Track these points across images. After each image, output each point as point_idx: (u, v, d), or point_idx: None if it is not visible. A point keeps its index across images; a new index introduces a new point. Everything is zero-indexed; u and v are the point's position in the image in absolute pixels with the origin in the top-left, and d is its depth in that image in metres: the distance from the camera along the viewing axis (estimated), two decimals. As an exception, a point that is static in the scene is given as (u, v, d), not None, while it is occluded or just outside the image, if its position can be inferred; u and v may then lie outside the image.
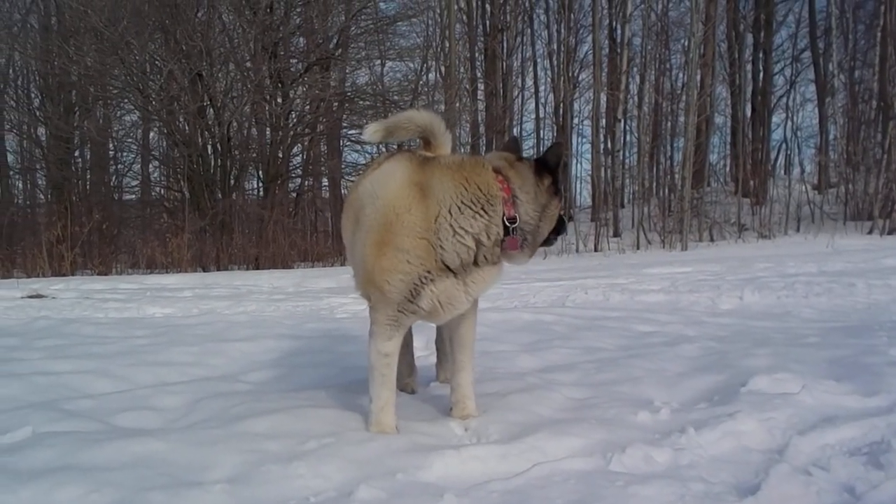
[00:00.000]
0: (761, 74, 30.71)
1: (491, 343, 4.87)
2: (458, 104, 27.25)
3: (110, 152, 28.21)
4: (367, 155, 25.25)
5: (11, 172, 31.14)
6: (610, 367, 4.05)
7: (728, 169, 33.17)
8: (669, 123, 31.77)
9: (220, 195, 23.07)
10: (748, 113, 30.24)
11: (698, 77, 25.36)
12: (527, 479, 2.44)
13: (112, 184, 28.94)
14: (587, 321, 5.88)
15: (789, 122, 32.77)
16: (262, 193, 25.20)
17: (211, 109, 23.24)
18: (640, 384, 3.68)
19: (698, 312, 6.60)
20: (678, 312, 6.51)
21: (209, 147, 23.84)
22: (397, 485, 2.41)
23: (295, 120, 25.08)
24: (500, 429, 2.99)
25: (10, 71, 30.28)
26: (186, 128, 23.15)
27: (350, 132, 27.14)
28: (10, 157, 31.18)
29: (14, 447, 2.84)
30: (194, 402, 3.62)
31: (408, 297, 2.91)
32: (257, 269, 21.30)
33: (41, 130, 28.56)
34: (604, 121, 29.71)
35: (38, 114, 28.83)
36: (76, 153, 28.17)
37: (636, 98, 31.43)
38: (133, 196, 29.63)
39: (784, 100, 33.00)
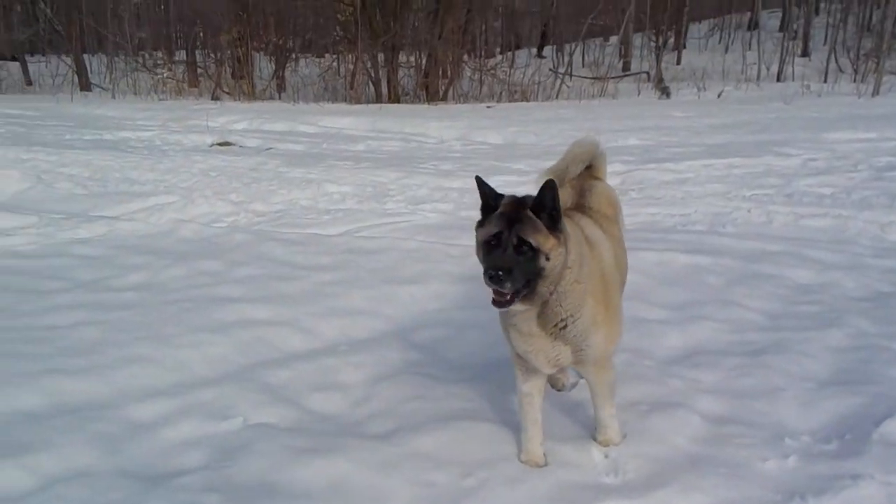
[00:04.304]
0: None
1: (641, 306, 5.10)
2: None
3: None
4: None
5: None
6: (752, 369, 4.24)
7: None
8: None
9: (390, 18, 23.18)
10: None
11: None
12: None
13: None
14: (744, 265, 5.93)
15: None
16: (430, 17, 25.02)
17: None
18: (777, 401, 3.90)
19: (863, 247, 6.47)
20: (842, 247, 6.37)
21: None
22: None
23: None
24: (636, 465, 3.39)
25: None
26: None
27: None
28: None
29: (231, 447, 3.54)
30: (373, 382, 4.23)
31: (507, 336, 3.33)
32: (427, 97, 21.78)
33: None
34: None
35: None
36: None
37: None
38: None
39: None
